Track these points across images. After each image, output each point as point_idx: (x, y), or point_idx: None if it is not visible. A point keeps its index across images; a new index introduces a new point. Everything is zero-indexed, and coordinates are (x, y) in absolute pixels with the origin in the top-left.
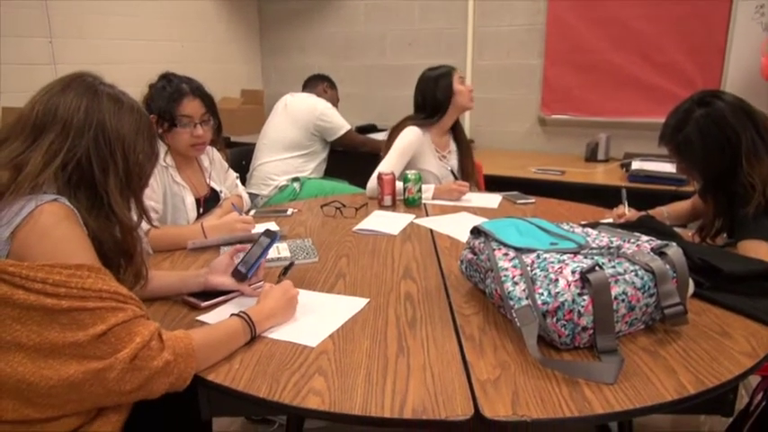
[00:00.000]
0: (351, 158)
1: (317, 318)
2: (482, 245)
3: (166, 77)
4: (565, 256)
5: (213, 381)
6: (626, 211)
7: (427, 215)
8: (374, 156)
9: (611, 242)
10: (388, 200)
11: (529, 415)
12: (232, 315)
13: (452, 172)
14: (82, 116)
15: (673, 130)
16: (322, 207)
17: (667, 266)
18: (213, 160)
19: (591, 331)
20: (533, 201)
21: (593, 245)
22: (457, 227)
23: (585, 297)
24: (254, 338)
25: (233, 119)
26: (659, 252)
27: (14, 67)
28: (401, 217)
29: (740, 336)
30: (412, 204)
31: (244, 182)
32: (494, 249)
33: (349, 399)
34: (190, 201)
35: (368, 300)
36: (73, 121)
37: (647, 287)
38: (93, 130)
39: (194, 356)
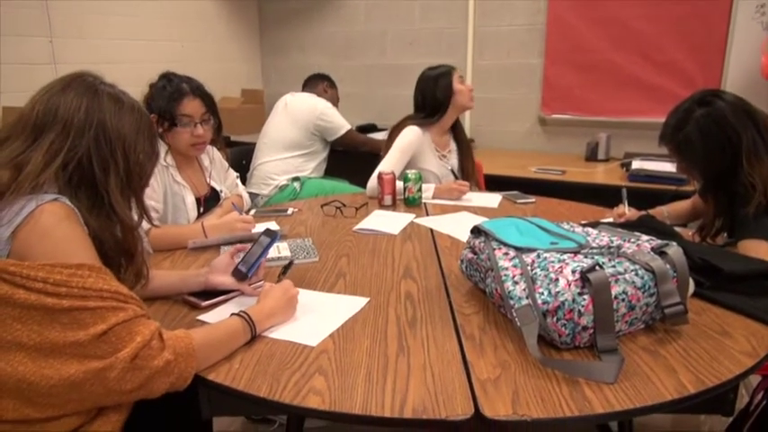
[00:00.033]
0: (351, 158)
1: (317, 317)
2: (482, 244)
3: (167, 77)
4: (565, 256)
5: (213, 380)
6: (626, 211)
7: (427, 215)
8: (374, 155)
9: (612, 242)
10: (388, 199)
11: (529, 414)
12: (232, 314)
13: (453, 171)
14: (82, 116)
15: (673, 130)
16: (322, 207)
17: (668, 266)
18: (213, 160)
19: (591, 331)
20: (533, 200)
21: (594, 244)
22: (457, 226)
23: (586, 296)
24: (254, 338)
25: (233, 118)
26: (659, 251)
27: (15, 66)
28: (401, 216)
29: (740, 335)
30: (412, 204)
31: (244, 181)
32: (494, 249)
33: (349, 398)
34: (190, 200)
35: (368, 299)
36: (73, 120)
37: (647, 287)
38: (93, 129)
39: (195, 356)
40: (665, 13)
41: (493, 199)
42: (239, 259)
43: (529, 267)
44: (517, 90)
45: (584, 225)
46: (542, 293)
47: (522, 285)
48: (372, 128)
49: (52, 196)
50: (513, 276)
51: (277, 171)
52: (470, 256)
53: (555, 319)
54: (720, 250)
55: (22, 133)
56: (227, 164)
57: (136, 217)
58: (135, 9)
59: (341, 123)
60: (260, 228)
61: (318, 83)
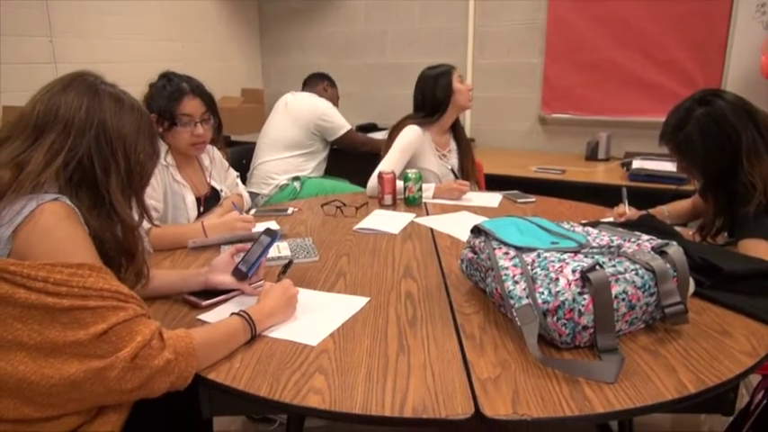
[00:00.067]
0: (351, 157)
1: (317, 317)
2: (482, 244)
3: (167, 76)
4: (565, 255)
5: (214, 380)
6: (626, 210)
7: (428, 214)
8: (374, 155)
9: (612, 241)
10: (388, 199)
11: (529, 414)
12: (232, 314)
13: (453, 171)
14: (83, 115)
15: (673, 129)
16: (322, 206)
17: (668, 265)
18: (214, 159)
19: (591, 330)
20: (534, 200)
21: (594, 244)
22: (457, 226)
23: (586, 296)
24: (254, 337)
25: (233, 118)
26: (660, 251)
27: (15, 66)
28: (401, 216)
29: (740, 335)
30: (412, 203)
31: (244, 181)
32: (494, 248)
33: (349, 397)
34: (190, 200)
35: (368, 299)
36: (74, 120)
37: (647, 286)
38: (94, 129)
39: (195, 355)
40: (666, 13)
41: (493, 198)
42: (239, 259)
43: (529, 267)
44: (517, 89)
45: (584, 224)
46: (542, 293)
47: (523, 285)
48: (373, 127)
49: (53, 196)
50: (514, 276)
51: (277, 170)
52: (470, 255)
53: (555, 318)
54: (720, 250)
55: (23, 133)
56: (227, 163)
57: (136, 216)
58: (135, 9)
59: (341, 123)
60: (260, 227)
61: (318, 82)
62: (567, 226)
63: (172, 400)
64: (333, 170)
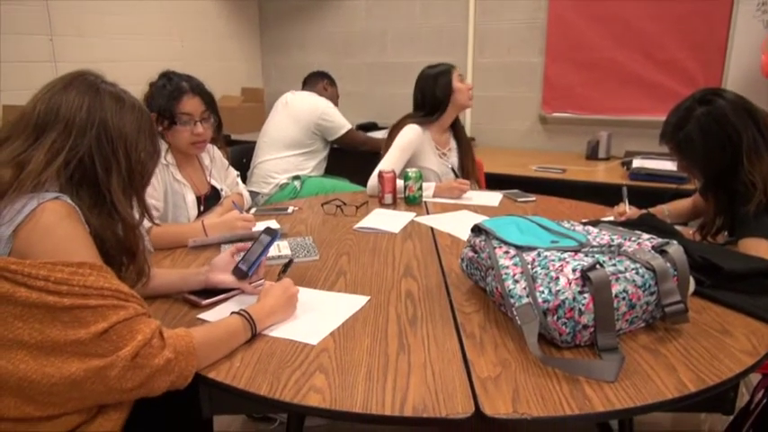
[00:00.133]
0: (351, 156)
1: (317, 316)
2: (483, 243)
3: (167, 76)
4: (566, 255)
5: (214, 379)
6: (627, 209)
7: (428, 213)
8: (375, 154)
9: (612, 240)
10: (388, 198)
11: (529, 413)
12: (233, 313)
13: (453, 170)
14: (84, 115)
15: (674, 129)
16: (323, 205)
17: (668, 264)
18: (214, 158)
19: (591, 329)
20: (534, 199)
21: (594, 243)
22: (458, 225)
23: (586, 295)
24: (254, 336)
25: (233, 117)
26: (660, 250)
27: (15, 65)
28: (402, 215)
29: (741, 334)
30: (412, 202)
31: (244, 180)
32: (494, 247)
33: (350, 396)
34: (190, 199)
35: (368, 298)
36: (75, 119)
37: (647, 285)
38: (95, 128)
39: (195, 354)
40: (666, 12)
41: (493, 197)
42: (240, 258)
43: (529, 266)
44: (518, 88)
45: (584, 224)
46: (543, 292)
47: (523, 284)
48: (373, 126)
49: (53, 195)
50: (514, 275)
51: (277, 169)
52: (471, 254)
53: (555, 317)
54: (721, 249)
55: (24, 132)
56: (227, 162)
57: (137, 215)
58: (135, 8)
59: (342, 123)
60: (260, 226)
61: (318, 81)
62: (567, 225)
63: (172, 399)
64: (333, 169)
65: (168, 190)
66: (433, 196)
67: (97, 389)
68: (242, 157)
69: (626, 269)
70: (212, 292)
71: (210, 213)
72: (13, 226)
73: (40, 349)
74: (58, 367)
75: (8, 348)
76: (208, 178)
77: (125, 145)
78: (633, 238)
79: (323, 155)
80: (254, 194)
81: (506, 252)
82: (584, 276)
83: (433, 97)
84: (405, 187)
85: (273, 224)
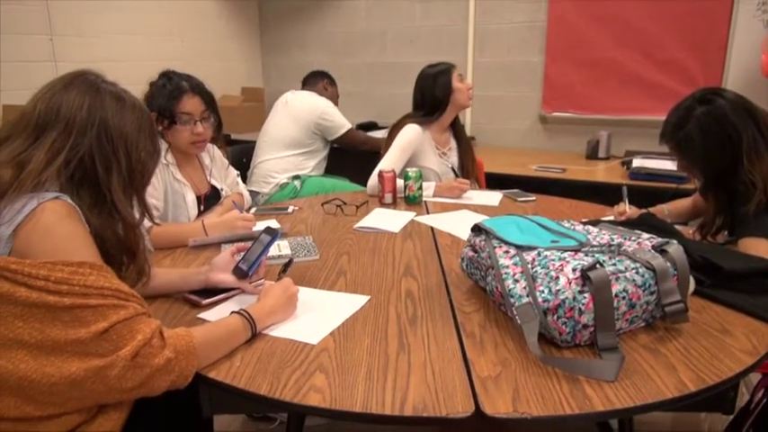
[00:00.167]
0: (351, 156)
1: (317, 315)
2: (483, 242)
3: (167, 75)
4: (566, 254)
5: (214, 378)
6: (627, 209)
7: (428, 213)
8: (375, 153)
9: (612, 240)
10: (388, 197)
11: (529, 412)
12: (233, 313)
13: (453, 169)
14: (84, 114)
15: (674, 128)
16: (323, 205)
17: (668, 264)
18: (214, 158)
19: (591, 329)
20: (534, 198)
21: (594, 242)
22: (458, 224)
23: (586, 295)
24: (254, 336)
25: (234, 116)
26: (660, 250)
27: (15, 64)
28: (402, 215)
29: (741, 333)
30: (413, 202)
31: (244, 179)
32: (494, 247)
33: (350, 396)
34: (191, 198)
35: (368, 297)
36: (75, 119)
37: (647, 285)
38: (95, 128)
39: (195, 354)
40: (666, 12)
41: (493, 197)
42: (240, 257)
43: (529, 265)
44: (518, 88)
45: (584, 223)
46: (543, 291)
47: (523, 283)
48: (373, 126)
49: (54, 194)
50: (514, 274)
51: (277, 169)
52: (471, 254)
53: (555, 317)
54: (721, 248)
55: (24, 132)
56: (227, 162)
57: (137, 215)
58: (135, 7)
59: (342, 123)
60: (260, 226)
61: (318, 80)
62: (567, 225)
63: (172, 398)
64: (333, 169)
65: (168, 189)
66: (434, 196)
67: (97, 388)
68: (242, 157)
69: (626, 269)
70: (212, 292)
71: (211, 213)
72: (14, 226)
73: (41, 349)
74: (59, 367)
75: (8, 348)
76: (208, 178)
77: (125, 144)
78: (633, 238)
79: (323, 154)
80: (254, 194)
81: (506, 251)
82: (585, 276)
83: (432, 97)
84: (405, 187)
85: (274, 224)
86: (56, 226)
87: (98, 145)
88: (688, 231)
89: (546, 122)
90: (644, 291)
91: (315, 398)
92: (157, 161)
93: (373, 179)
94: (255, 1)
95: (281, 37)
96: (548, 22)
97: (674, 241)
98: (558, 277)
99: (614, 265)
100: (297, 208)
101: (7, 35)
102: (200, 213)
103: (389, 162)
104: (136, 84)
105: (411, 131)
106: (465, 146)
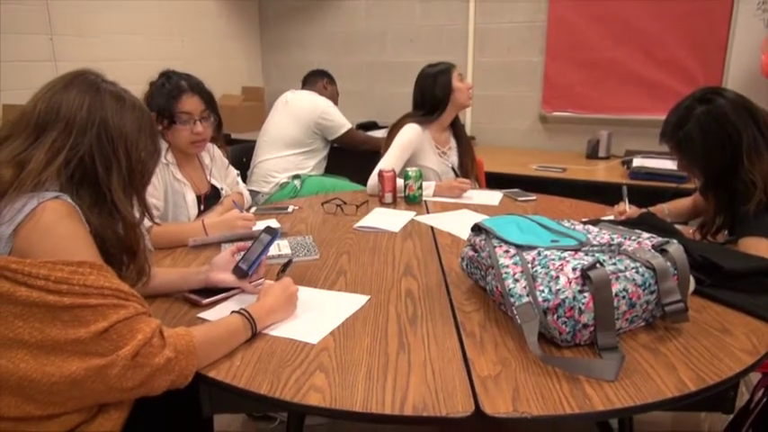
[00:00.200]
0: (351, 155)
1: (317, 315)
2: (483, 242)
3: (166, 75)
4: (566, 254)
5: (214, 378)
6: (627, 209)
7: (428, 212)
8: (375, 153)
9: (612, 239)
10: (388, 197)
11: (529, 412)
12: (233, 312)
13: (453, 168)
14: (84, 114)
15: (674, 128)
16: (323, 204)
17: (668, 264)
18: (214, 157)
19: (591, 328)
20: (534, 198)
21: (594, 242)
22: (458, 224)
23: (586, 294)
24: (254, 335)
25: (234, 116)
26: (660, 249)
27: (15, 64)
28: (402, 214)
29: (741, 333)
30: (413, 201)
31: (244, 179)
32: (495, 246)
33: (350, 395)
34: (191, 198)
35: (368, 297)
36: (76, 118)
37: (647, 284)
38: (95, 127)
39: (195, 353)
40: (666, 11)
41: (493, 196)
42: (240, 257)
43: (529, 265)
44: (518, 87)
45: (584, 223)
46: (543, 291)
47: (523, 283)
48: (373, 125)
49: (54, 194)
50: (514, 274)
51: (277, 169)
52: (471, 253)
53: (555, 316)
54: (721, 248)
55: (24, 131)
56: (227, 161)
57: (137, 214)
58: (135, 7)
59: (342, 122)
60: (260, 225)
61: (318, 79)
62: (567, 224)
63: (172, 398)
64: (333, 168)
65: (168, 189)
66: (434, 195)
67: (97, 388)
68: (242, 156)
69: (626, 268)
70: (212, 292)
71: (211, 212)
72: (14, 225)
73: (41, 348)
74: (59, 366)
75: (8, 347)
76: (208, 177)
77: (125, 144)
78: (633, 238)
79: (323, 154)
80: (254, 193)
81: (506, 251)
82: (585, 275)
83: (432, 96)
84: (405, 186)
85: (274, 223)
86: (56, 225)
87: (98, 144)
88: (688, 231)
89: (546, 122)
90: (644, 290)
91: (315, 397)
92: (158, 161)
93: (373, 179)
94: (256, 0)
95: (281, 36)
96: (548, 22)
97: (675, 241)
98: (558, 277)
99: (614, 264)
100: (297, 207)
101: (7, 35)
102: (200, 213)
103: (389, 161)
104: (136, 83)
105: (411, 131)
106: (465, 145)
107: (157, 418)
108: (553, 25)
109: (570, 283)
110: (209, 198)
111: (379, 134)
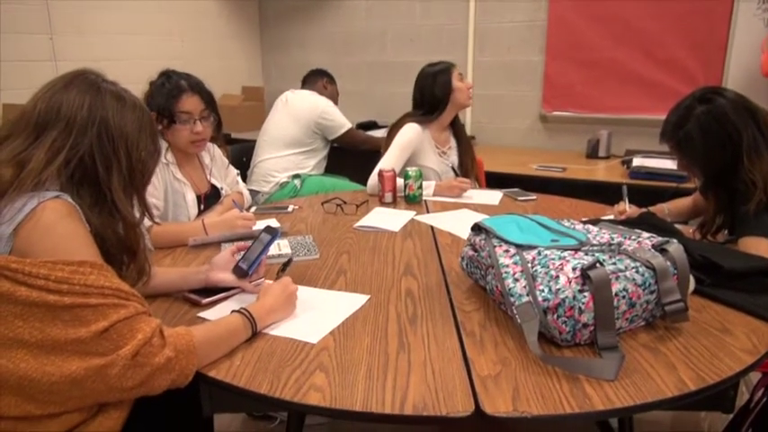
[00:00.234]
0: (351, 155)
1: (318, 314)
2: (483, 242)
3: (166, 74)
4: (566, 253)
5: (214, 377)
6: (627, 208)
7: (428, 212)
8: (375, 152)
9: (612, 239)
10: (388, 197)
11: (529, 411)
12: (233, 311)
13: (453, 168)
14: (85, 113)
15: (674, 127)
16: (323, 204)
17: (668, 263)
18: (214, 157)
19: (591, 328)
20: (534, 197)
21: (594, 242)
22: (458, 224)
23: (586, 294)
24: (254, 335)
25: (234, 116)
26: (660, 249)
27: (15, 63)
28: (402, 214)
29: (741, 332)
30: (413, 201)
31: (244, 178)
32: (495, 246)
33: (350, 395)
34: (191, 197)
35: (369, 296)
36: (76, 118)
37: (647, 284)
38: (96, 127)
39: (195, 353)
40: (666, 11)
41: (494, 196)
42: (240, 256)
43: (529, 264)
44: (518, 87)
45: (584, 222)
46: (543, 291)
47: (523, 282)
48: (373, 125)
49: (54, 193)
50: (514, 273)
51: (277, 168)
52: (471, 253)
53: (555, 316)
54: (721, 247)
55: (24, 131)
56: (227, 161)
57: (137, 214)
58: (135, 6)
59: (342, 122)
60: (260, 225)
61: (318, 79)
62: (567, 224)
63: (172, 397)
64: (333, 168)
65: (168, 189)
66: (434, 195)
67: (98, 387)
68: (242, 156)
69: (626, 268)
70: (212, 291)
71: (211, 212)
72: (14, 225)
73: (41, 348)
74: (59, 366)
75: (9, 347)
76: (208, 177)
77: (126, 144)
78: (633, 237)
79: (323, 153)
80: (254, 193)
81: (506, 251)
82: (585, 275)
83: (432, 96)
84: (405, 186)
85: (274, 223)
86: (56, 225)
87: (98, 144)
88: (688, 230)
89: (546, 121)
90: (644, 290)
91: (315, 397)
92: (158, 160)
93: (373, 178)
94: (256, 0)
95: (281, 36)
96: (548, 22)
97: (674, 240)
98: (558, 276)
99: (614, 264)
100: (297, 207)
101: (7, 34)
102: (200, 212)
103: (389, 161)
104: (136, 83)
105: (411, 130)
106: (465, 145)
107: (157, 417)
108: (553, 25)
109: (570, 282)
110: (209, 198)
111: (379, 134)
